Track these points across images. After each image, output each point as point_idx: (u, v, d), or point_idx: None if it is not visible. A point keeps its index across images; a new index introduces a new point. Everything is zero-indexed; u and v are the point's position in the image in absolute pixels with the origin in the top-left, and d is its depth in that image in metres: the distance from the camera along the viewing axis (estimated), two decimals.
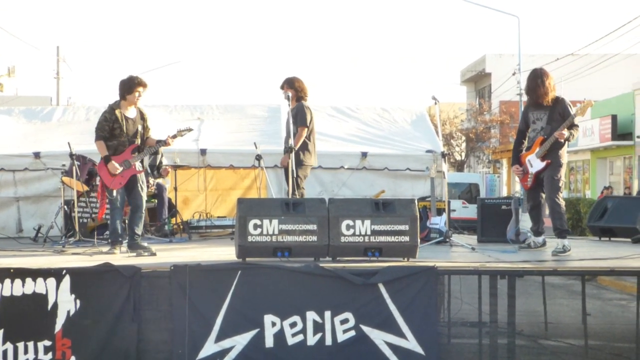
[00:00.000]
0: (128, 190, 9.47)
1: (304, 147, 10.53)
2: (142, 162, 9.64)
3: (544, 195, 9.47)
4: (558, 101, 9.28)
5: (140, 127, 9.54)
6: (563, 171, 9.31)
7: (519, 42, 37.02)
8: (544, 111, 9.29)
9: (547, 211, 9.93)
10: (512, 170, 9.81)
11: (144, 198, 9.66)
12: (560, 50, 47.88)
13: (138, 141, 9.50)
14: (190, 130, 10.03)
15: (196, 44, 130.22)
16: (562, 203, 9.23)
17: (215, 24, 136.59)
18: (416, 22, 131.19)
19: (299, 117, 10.54)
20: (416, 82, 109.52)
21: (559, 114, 9.20)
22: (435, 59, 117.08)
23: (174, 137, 9.66)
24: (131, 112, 9.52)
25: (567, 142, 9.23)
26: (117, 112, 9.40)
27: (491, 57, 48.59)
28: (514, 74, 38.64)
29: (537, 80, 9.28)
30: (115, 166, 9.29)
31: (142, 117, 9.64)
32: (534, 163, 9.31)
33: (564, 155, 9.33)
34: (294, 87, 10.58)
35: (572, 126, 9.15)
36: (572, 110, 9.22)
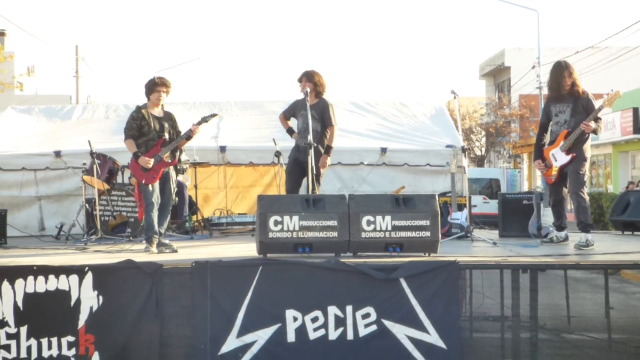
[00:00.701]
0: (160, 187, 9.51)
1: (323, 145, 10.43)
2: (174, 155, 9.68)
3: (566, 190, 9.42)
4: (581, 94, 9.21)
5: (167, 125, 9.62)
6: (587, 165, 9.24)
7: (538, 36, 36.99)
8: (567, 104, 9.22)
9: (569, 206, 9.88)
10: (535, 165, 9.74)
11: (173, 198, 9.73)
12: (580, 43, 47.63)
13: (166, 136, 9.55)
14: (214, 115, 10.04)
15: (214, 40, 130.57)
16: (587, 197, 9.16)
17: (232, 20, 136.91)
18: (435, 16, 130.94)
19: (329, 116, 10.36)
20: (435, 76, 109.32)
21: (582, 107, 9.13)
22: (454, 53, 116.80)
23: (199, 123, 9.67)
24: (158, 112, 9.65)
25: (594, 133, 9.14)
26: (143, 111, 9.53)
27: (510, 50, 48.37)
28: (533, 67, 38.46)
29: (563, 71, 9.20)
30: (146, 160, 9.35)
31: (171, 117, 9.75)
32: (559, 157, 9.23)
33: (588, 149, 9.26)
34: (313, 81, 10.33)
35: (595, 119, 9.08)
36: (596, 103, 9.15)
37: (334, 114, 10.45)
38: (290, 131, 10.71)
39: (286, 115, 10.82)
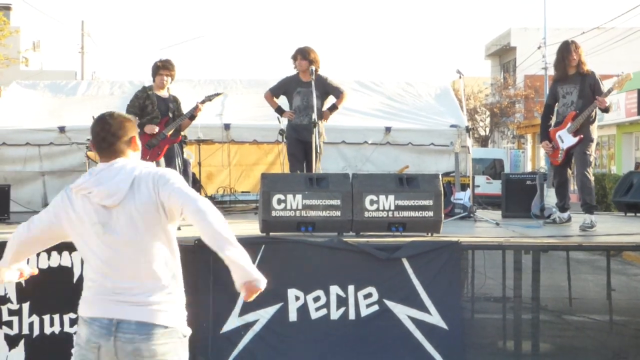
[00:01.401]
0: (165, 164, 9.52)
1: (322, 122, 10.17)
2: (178, 133, 9.67)
3: (570, 172, 9.40)
4: (588, 75, 9.14)
5: (172, 106, 9.65)
6: (594, 146, 9.20)
7: (544, 16, 36.89)
8: (574, 85, 9.13)
9: (572, 187, 9.86)
10: (542, 147, 9.68)
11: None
12: (586, 24, 47.45)
13: (170, 116, 9.59)
14: (219, 94, 10.01)
15: (219, 18, 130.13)
16: (592, 178, 9.13)
17: None
18: None
19: (334, 87, 10.15)
20: (440, 56, 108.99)
21: (590, 87, 9.06)
22: (459, 33, 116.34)
23: (203, 102, 9.68)
24: (163, 94, 9.69)
25: (606, 112, 9.09)
26: (148, 91, 9.60)
27: (516, 30, 48.19)
28: (539, 47, 38.36)
29: (569, 46, 9.13)
30: (152, 127, 9.40)
31: (176, 100, 9.77)
32: (565, 138, 9.16)
33: (595, 130, 9.21)
34: (308, 59, 9.99)
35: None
36: (603, 86, 9.09)
37: (336, 82, 10.33)
38: (279, 110, 10.39)
39: (274, 93, 10.43)
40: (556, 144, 9.28)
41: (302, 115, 10.04)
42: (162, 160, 9.48)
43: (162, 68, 9.57)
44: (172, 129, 9.51)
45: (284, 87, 10.36)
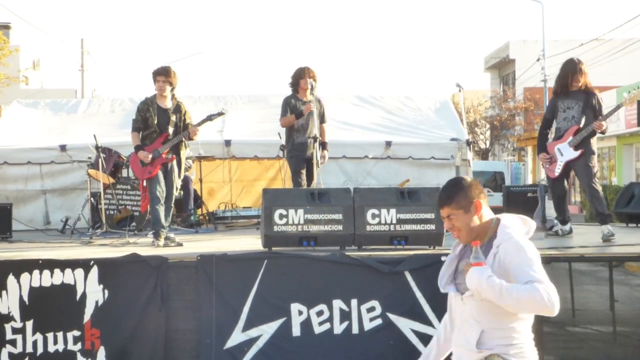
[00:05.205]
0: (165, 181, 9.44)
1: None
2: (178, 152, 9.59)
3: (567, 185, 9.40)
4: (592, 93, 9.13)
5: (175, 119, 9.50)
6: (595, 158, 9.20)
7: (543, 28, 36.85)
8: (576, 100, 9.13)
9: (573, 198, 9.85)
10: (539, 158, 9.69)
11: (175, 192, 9.65)
12: (585, 36, 47.54)
13: (170, 131, 9.50)
14: (221, 114, 9.96)
15: (219, 34, 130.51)
16: (599, 188, 9.12)
17: (238, 14, 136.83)
18: (440, 9, 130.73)
19: (324, 115, 10.34)
20: (439, 70, 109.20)
21: (591, 107, 9.07)
22: (458, 46, 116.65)
23: (203, 122, 9.57)
24: (167, 104, 9.54)
25: (602, 133, 9.10)
26: (149, 102, 9.46)
27: (515, 43, 48.28)
28: (538, 59, 38.39)
29: (576, 67, 9.10)
30: (145, 154, 9.31)
31: (179, 109, 9.59)
32: (565, 152, 9.16)
33: (595, 143, 9.22)
34: (313, 77, 10.19)
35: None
36: (604, 108, 9.10)
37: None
38: (299, 114, 10.15)
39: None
40: (554, 157, 9.28)
41: (307, 133, 10.09)
42: (158, 176, 9.38)
43: (157, 74, 9.45)
44: (167, 147, 9.43)
45: (291, 108, 10.29)
